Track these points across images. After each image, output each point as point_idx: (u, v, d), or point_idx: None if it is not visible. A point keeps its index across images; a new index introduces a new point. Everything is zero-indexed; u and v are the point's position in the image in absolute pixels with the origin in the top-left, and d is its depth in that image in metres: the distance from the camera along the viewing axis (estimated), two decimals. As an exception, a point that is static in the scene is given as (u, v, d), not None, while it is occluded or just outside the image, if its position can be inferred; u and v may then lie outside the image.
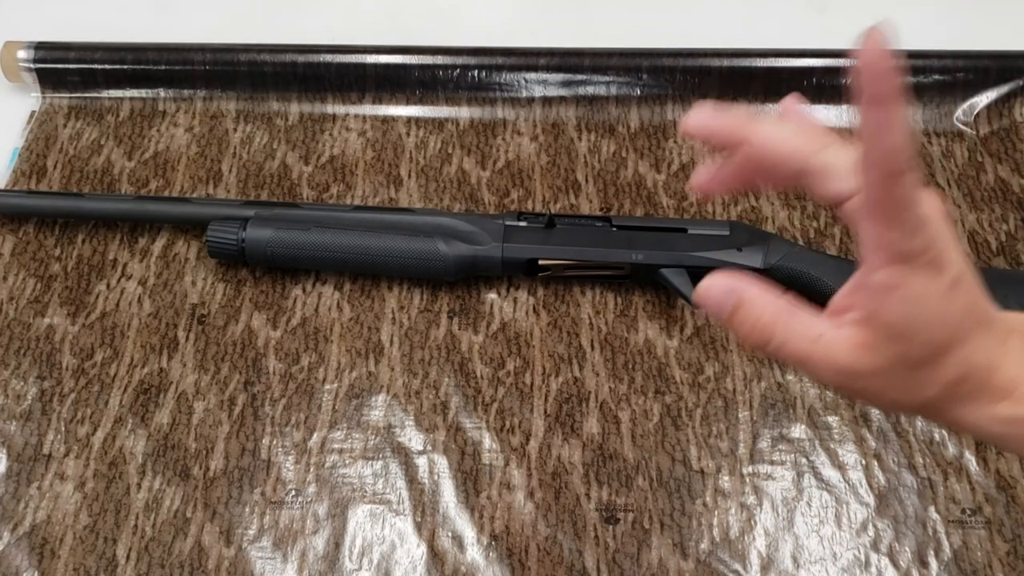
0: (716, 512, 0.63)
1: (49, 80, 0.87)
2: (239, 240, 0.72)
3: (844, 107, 0.85)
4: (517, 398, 0.68)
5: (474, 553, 0.61)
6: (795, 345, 0.37)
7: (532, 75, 0.86)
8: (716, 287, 0.40)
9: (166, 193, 0.81)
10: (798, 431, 0.66)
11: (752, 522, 0.62)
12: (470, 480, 0.64)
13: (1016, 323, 0.38)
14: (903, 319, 0.35)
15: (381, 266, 0.72)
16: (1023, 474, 0.64)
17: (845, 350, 0.36)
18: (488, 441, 0.66)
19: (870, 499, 0.63)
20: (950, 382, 0.36)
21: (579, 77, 0.86)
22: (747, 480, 0.64)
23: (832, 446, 0.66)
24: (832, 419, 0.67)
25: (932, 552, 0.61)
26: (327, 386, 0.69)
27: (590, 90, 0.86)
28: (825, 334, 0.37)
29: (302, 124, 0.86)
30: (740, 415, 0.67)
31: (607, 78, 0.86)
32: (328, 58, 0.86)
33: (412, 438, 0.66)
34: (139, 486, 0.64)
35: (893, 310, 0.35)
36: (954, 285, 0.35)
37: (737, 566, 0.61)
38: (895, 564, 0.60)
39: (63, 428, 0.67)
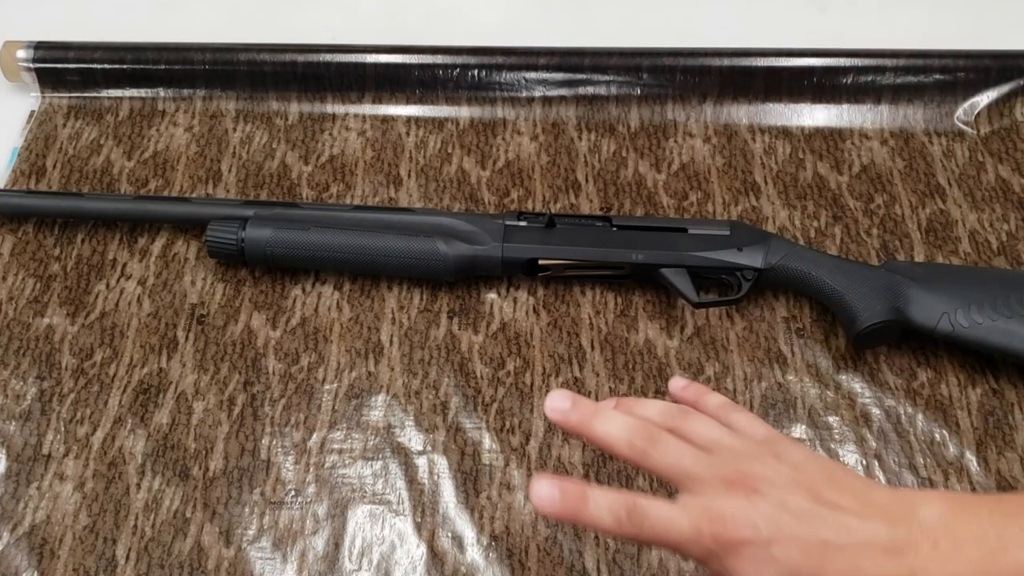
0: (716, 512, 0.63)
1: (48, 80, 0.87)
2: (239, 240, 0.72)
3: (844, 106, 0.85)
4: (517, 398, 0.68)
5: (474, 553, 0.61)
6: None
7: (532, 74, 0.86)
8: None
9: (165, 193, 0.81)
10: (799, 431, 0.66)
11: (752, 522, 0.62)
12: (470, 480, 0.64)
13: (930, 517, 0.39)
14: None
15: (381, 266, 0.72)
16: (1024, 474, 0.64)
17: None
18: (488, 441, 0.66)
19: (871, 499, 0.63)
20: None
21: (579, 77, 0.86)
22: (747, 480, 0.64)
23: (833, 446, 0.65)
24: (833, 419, 0.67)
25: (933, 552, 0.61)
26: (327, 386, 0.69)
27: (590, 90, 0.86)
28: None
29: (302, 124, 0.86)
30: (740, 415, 0.67)
31: (607, 77, 0.85)
32: (328, 57, 0.86)
33: (412, 438, 0.66)
34: (139, 486, 0.64)
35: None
36: (767, 546, 0.39)
37: (737, 566, 0.60)
38: (896, 564, 0.60)
39: (62, 428, 0.67)
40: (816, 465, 0.42)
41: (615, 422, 0.43)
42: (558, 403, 0.44)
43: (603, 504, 0.41)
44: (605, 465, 0.65)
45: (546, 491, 0.41)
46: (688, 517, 0.40)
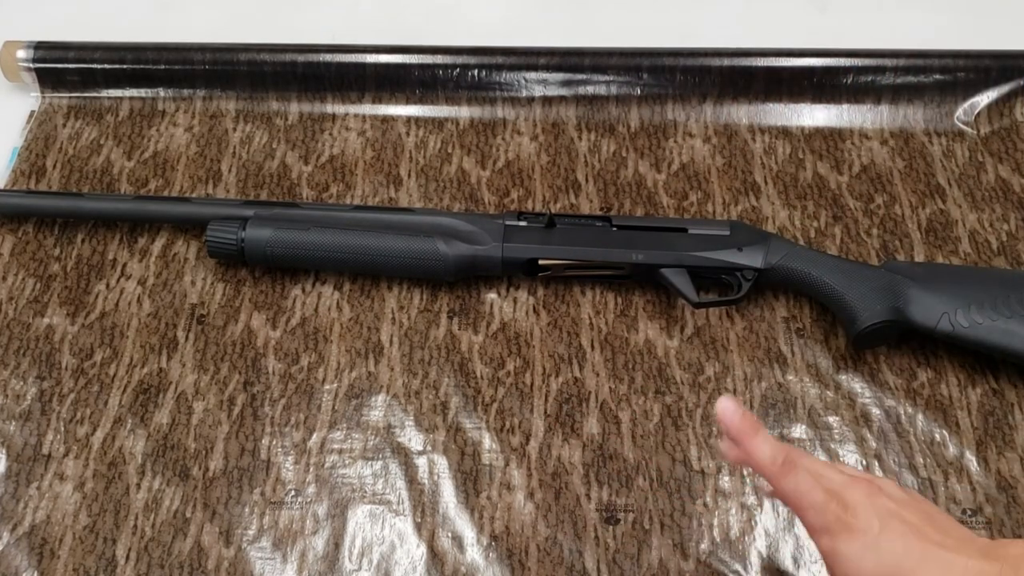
0: (716, 512, 0.63)
1: (48, 80, 0.87)
2: (239, 240, 0.72)
3: (844, 107, 0.85)
4: (517, 398, 0.68)
5: (474, 553, 0.61)
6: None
7: (532, 74, 0.86)
8: None
9: (165, 193, 0.81)
10: (799, 431, 0.66)
11: (752, 522, 0.62)
12: (470, 480, 0.64)
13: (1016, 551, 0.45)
14: (846, 574, 0.46)
15: (381, 266, 0.72)
16: (1024, 474, 0.64)
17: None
18: (488, 441, 0.66)
19: (871, 499, 0.63)
20: None
21: (579, 77, 0.86)
22: (747, 480, 0.64)
23: (833, 446, 0.65)
24: (833, 419, 0.67)
25: (933, 552, 0.61)
26: (327, 386, 0.69)
27: (590, 90, 0.86)
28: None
29: (302, 124, 0.86)
30: (740, 415, 0.67)
31: (607, 77, 0.85)
32: (328, 58, 0.86)
33: (412, 438, 0.66)
34: (139, 486, 0.64)
35: (837, 570, 0.47)
36: (877, 538, 0.46)
37: (737, 566, 0.60)
38: (896, 564, 0.60)
39: (62, 428, 0.67)
40: (926, 504, 0.50)
41: (767, 443, 0.50)
42: (731, 408, 0.50)
43: (769, 443, 0.49)
44: (605, 465, 0.65)
45: (732, 407, 0.49)
46: (824, 493, 0.48)
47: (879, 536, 0.46)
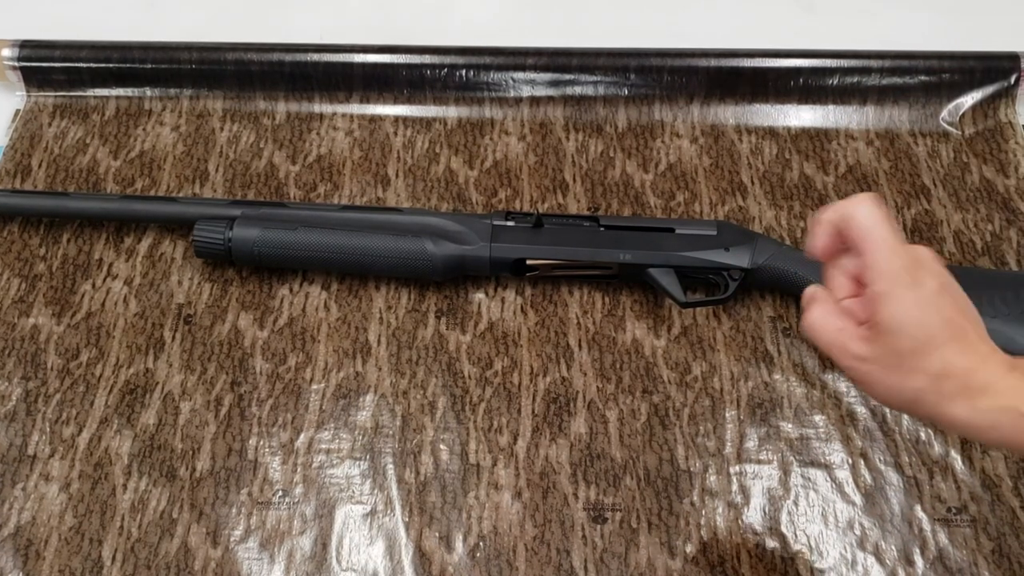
0: (704, 511, 0.63)
1: (34, 78, 0.87)
2: (226, 240, 0.71)
3: (830, 107, 0.85)
4: (505, 398, 0.68)
5: (461, 553, 0.61)
6: (823, 332, 0.49)
7: (520, 75, 0.86)
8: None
9: (152, 192, 0.81)
10: (785, 430, 0.66)
11: (739, 521, 0.62)
12: (458, 480, 0.64)
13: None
14: (894, 316, 0.45)
15: (369, 266, 0.72)
16: (1008, 473, 0.64)
17: (856, 340, 0.47)
18: (476, 441, 0.66)
19: (856, 498, 0.63)
20: (934, 375, 0.45)
21: (567, 77, 0.86)
22: (734, 479, 0.64)
23: (819, 445, 0.66)
24: (819, 418, 0.67)
25: (918, 550, 0.61)
26: (314, 386, 0.69)
27: (578, 90, 0.86)
28: (844, 328, 0.48)
29: (289, 123, 0.86)
30: (727, 414, 0.67)
31: (595, 78, 0.86)
32: (315, 57, 0.86)
33: (400, 438, 0.66)
34: (125, 487, 0.64)
35: (891, 310, 0.46)
36: (935, 295, 0.46)
37: (725, 565, 0.61)
38: (881, 562, 0.61)
39: (48, 429, 0.66)
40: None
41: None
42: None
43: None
44: (592, 464, 0.65)
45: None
46: (893, 239, 0.47)
47: (941, 291, 0.46)
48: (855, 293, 0.49)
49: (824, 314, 0.49)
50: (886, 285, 0.46)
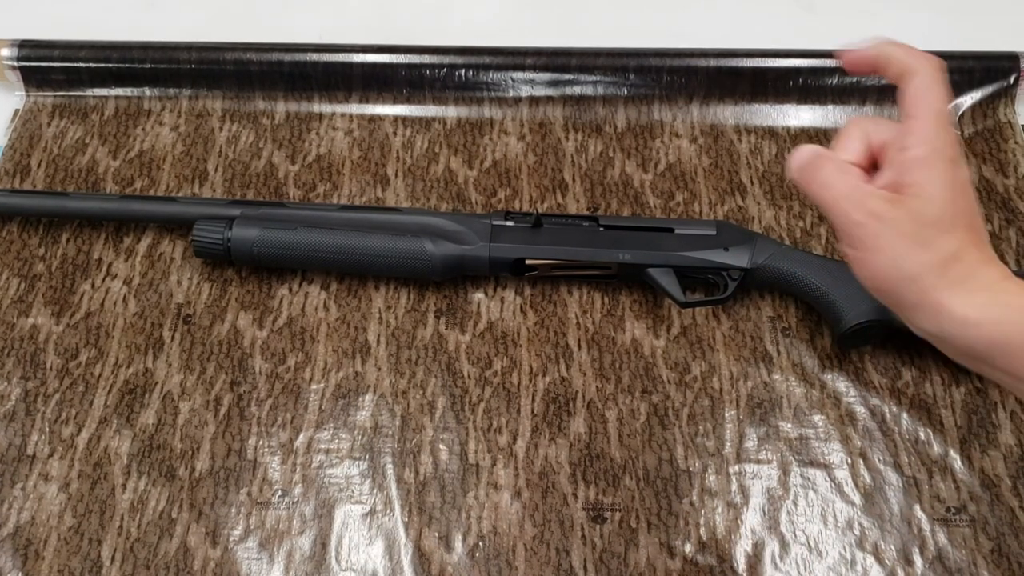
0: (703, 511, 0.63)
1: (33, 78, 0.87)
2: (225, 240, 0.71)
3: (830, 107, 0.85)
4: (504, 398, 0.68)
5: (461, 553, 0.61)
6: (836, 185, 0.46)
7: (519, 74, 0.86)
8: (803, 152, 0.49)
9: (151, 192, 0.81)
10: (784, 430, 0.66)
11: (739, 521, 0.63)
12: (457, 480, 0.64)
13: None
14: (929, 184, 0.44)
15: (368, 266, 0.72)
16: (1007, 473, 0.64)
17: (876, 197, 0.45)
18: (475, 441, 0.66)
19: (856, 497, 0.63)
20: (946, 255, 0.43)
21: (566, 77, 0.86)
22: (734, 479, 0.64)
23: (818, 444, 0.66)
24: (818, 418, 0.67)
25: (917, 550, 0.61)
26: (314, 386, 0.69)
27: (577, 90, 0.86)
28: (861, 184, 0.46)
29: (288, 123, 0.86)
30: (727, 414, 0.67)
31: (594, 78, 0.86)
32: (315, 57, 0.86)
33: (399, 438, 0.66)
34: (124, 487, 0.64)
35: (925, 176, 0.44)
36: (966, 184, 0.45)
37: (724, 565, 0.61)
38: (880, 562, 0.61)
39: (47, 429, 0.66)
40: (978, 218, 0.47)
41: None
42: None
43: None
44: (592, 464, 0.65)
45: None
46: (948, 112, 0.46)
47: (965, 186, 0.45)
48: (865, 166, 0.47)
49: (838, 169, 0.46)
50: (929, 152, 0.45)
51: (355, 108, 0.87)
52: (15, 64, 0.86)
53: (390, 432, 0.66)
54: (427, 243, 0.71)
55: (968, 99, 0.85)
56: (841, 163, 0.47)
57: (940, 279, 0.44)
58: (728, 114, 0.86)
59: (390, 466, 0.65)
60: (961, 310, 0.43)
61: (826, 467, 0.65)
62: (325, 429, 0.67)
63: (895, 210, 0.44)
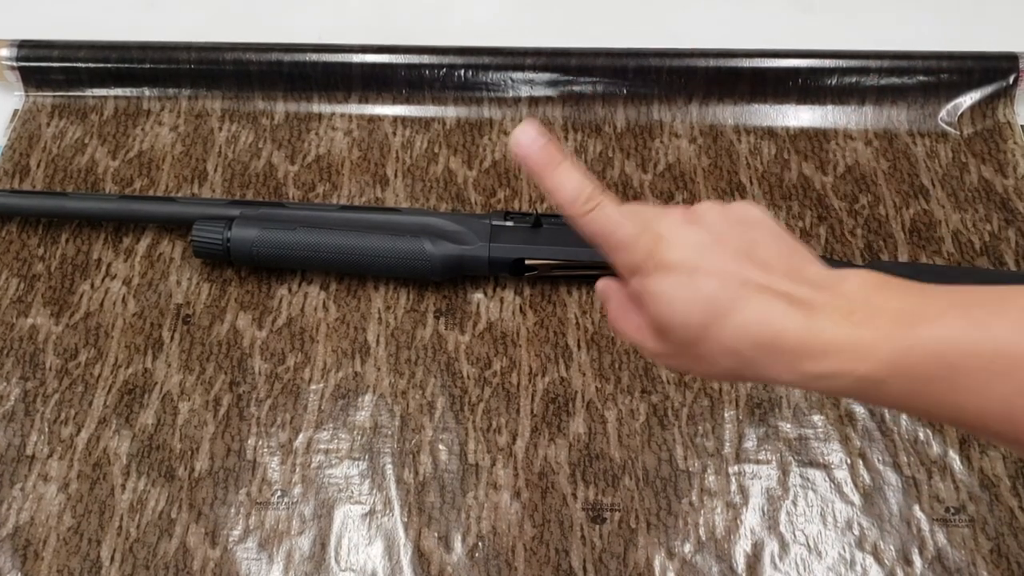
0: (702, 511, 0.63)
1: (32, 78, 0.87)
2: (224, 240, 0.71)
3: (829, 107, 0.85)
4: (503, 398, 0.68)
5: (460, 553, 0.61)
6: (628, 334, 0.45)
7: (519, 75, 0.86)
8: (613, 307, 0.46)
9: (151, 192, 0.81)
10: (783, 430, 0.66)
11: (738, 521, 0.63)
12: (456, 480, 0.64)
13: (853, 286, 0.39)
14: (658, 315, 0.41)
15: (367, 266, 0.72)
16: (1007, 473, 0.64)
17: (649, 339, 0.43)
18: (474, 441, 0.66)
19: (855, 498, 0.63)
20: (734, 352, 0.39)
21: (566, 77, 0.86)
22: (733, 479, 0.64)
23: (817, 445, 0.66)
24: (817, 418, 0.67)
25: (916, 550, 0.61)
26: (313, 386, 0.69)
27: (576, 90, 0.86)
28: (640, 323, 0.43)
29: (288, 123, 0.86)
30: (726, 414, 0.67)
31: (593, 78, 0.86)
32: (314, 57, 0.86)
33: (398, 438, 0.66)
34: (123, 487, 0.64)
35: (649, 311, 0.42)
36: (691, 274, 0.40)
37: (723, 565, 0.61)
38: (880, 562, 0.61)
39: (47, 429, 0.66)
40: (765, 230, 0.42)
41: (571, 177, 0.44)
42: (528, 136, 0.43)
43: (571, 177, 0.43)
44: (591, 464, 0.65)
45: (530, 135, 0.43)
46: (634, 225, 0.42)
47: (693, 270, 0.40)
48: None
49: (620, 310, 0.44)
50: (637, 282, 0.42)
51: (354, 108, 0.87)
52: (14, 64, 0.86)
53: (389, 432, 0.66)
54: (426, 243, 0.71)
55: (967, 99, 0.85)
56: (620, 302, 0.45)
57: (754, 368, 0.39)
58: (727, 114, 0.86)
59: (389, 466, 0.65)
60: (802, 384, 0.39)
61: (825, 467, 0.65)
62: (324, 429, 0.67)
63: (666, 345, 0.42)
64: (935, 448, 0.65)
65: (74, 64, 0.86)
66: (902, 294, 0.38)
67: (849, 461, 0.65)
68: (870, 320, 0.37)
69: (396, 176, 0.82)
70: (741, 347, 0.39)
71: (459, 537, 0.62)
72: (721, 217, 0.42)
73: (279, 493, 0.64)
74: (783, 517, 0.63)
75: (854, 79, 0.84)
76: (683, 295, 0.40)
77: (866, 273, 0.39)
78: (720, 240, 0.41)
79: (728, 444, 0.66)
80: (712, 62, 0.85)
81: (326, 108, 0.87)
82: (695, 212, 0.42)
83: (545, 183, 0.44)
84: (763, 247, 0.41)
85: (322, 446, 0.66)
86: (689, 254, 0.40)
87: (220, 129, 0.85)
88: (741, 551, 0.61)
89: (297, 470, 0.65)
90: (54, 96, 0.87)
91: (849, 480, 0.64)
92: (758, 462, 0.65)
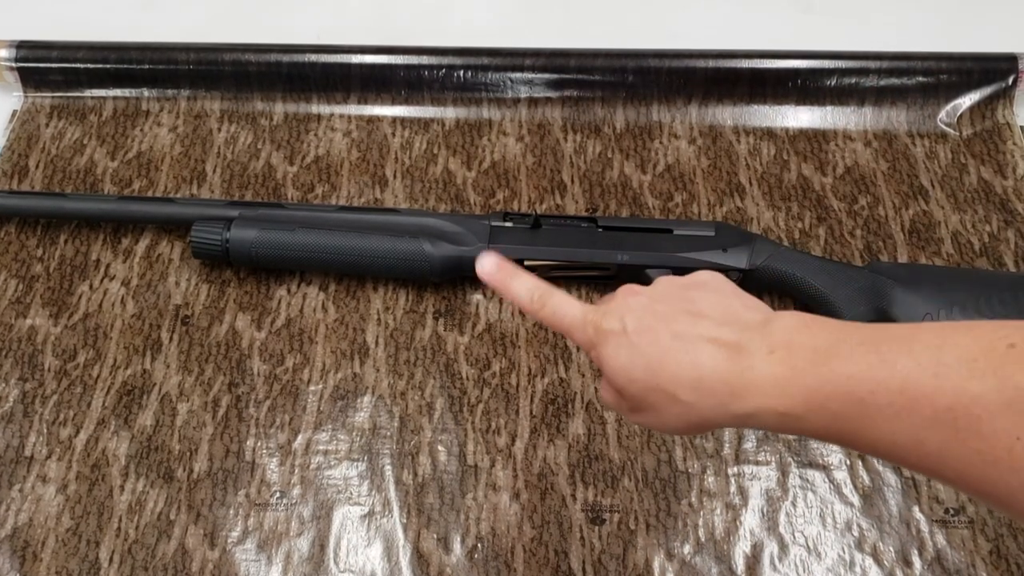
0: (702, 512, 0.63)
1: (31, 79, 0.87)
2: (223, 241, 0.71)
3: (828, 108, 0.85)
4: (503, 399, 0.68)
5: (459, 555, 0.61)
6: (606, 402, 0.48)
7: (518, 75, 0.86)
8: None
9: (149, 193, 0.81)
10: (783, 431, 0.66)
11: (737, 522, 0.62)
12: (455, 481, 0.64)
13: (783, 332, 0.42)
14: (612, 377, 0.45)
15: (366, 267, 0.72)
16: (1006, 474, 0.64)
17: (616, 401, 0.47)
18: (473, 442, 0.66)
19: (854, 499, 0.63)
20: (675, 397, 0.42)
21: (565, 78, 0.86)
22: (732, 480, 0.64)
23: (816, 446, 0.66)
24: (817, 419, 0.67)
25: (916, 551, 0.61)
26: (312, 387, 0.69)
27: (576, 91, 0.86)
28: (610, 392, 0.47)
29: (287, 124, 0.86)
30: (725, 415, 0.67)
31: (593, 79, 0.86)
32: (313, 58, 0.86)
33: (398, 439, 0.66)
34: (122, 488, 0.64)
35: (605, 376, 0.46)
36: (629, 335, 0.44)
37: (723, 566, 0.61)
38: (879, 563, 0.61)
39: (45, 430, 0.66)
40: (711, 287, 0.46)
41: (524, 283, 0.49)
42: (490, 263, 0.50)
43: (524, 284, 0.49)
44: (591, 466, 0.65)
45: (490, 264, 0.50)
46: (580, 310, 0.47)
47: (631, 332, 0.44)
48: None
49: (601, 384, 0.49)
50: (594, 355, 0.46)
51: (353, 109, 0.87)
52: (13, 65, 0.86)
53: (388, 433, 0.66)
54: (425, 244, 0.71)
55: (967, 100, 0.85)
56: (603, 380, 0.48)
57: (709, 416, 0.42)
58: (727, 115, 0.86)
59: (388, 467, 0.65)
60: (737, 424, 0.42)
61: (825, 468, 0.65)
62: (323, 430, 0.67)
63: (625, 405, 0.46)
64: (934, 449, 0.65)
65: (73, 65, 0.86)
66: (821, 332, 0.40)
67: (848, 462, 0.65)
68: (788, 358, 0.40)
69: (395, 177, 0.82)
70: (680, 392, 0.42)
71: (458, 538, 0.62)
72: (668, 283, 0.47)
73: (278, 494, 0.64)
74: (782, 518, 0.63)
75: (853, 80, 0.84)
76: (624, 354, 0.44)
77: (796, 314, 0.42)
78: (658, 301, 0.45)
79: (727, 445, 0.66)
80: (711, 63, 0.85)
81: (325, 109, 0.87)
82: (650, 286, 0.47)
83: (506, 295, 0.50)
84: (701, 300, 0.45)
85: (321, 447, 0.66)
86: (627, 319, 0.45)
87: (219, 130, 0.85)
88: (740, 552, 0.61)
89: (296, 471, 0.65)
90: (53, 97, 0.87)
91: (848, 481, 0.64)
92: (757, 463, 0.65)
